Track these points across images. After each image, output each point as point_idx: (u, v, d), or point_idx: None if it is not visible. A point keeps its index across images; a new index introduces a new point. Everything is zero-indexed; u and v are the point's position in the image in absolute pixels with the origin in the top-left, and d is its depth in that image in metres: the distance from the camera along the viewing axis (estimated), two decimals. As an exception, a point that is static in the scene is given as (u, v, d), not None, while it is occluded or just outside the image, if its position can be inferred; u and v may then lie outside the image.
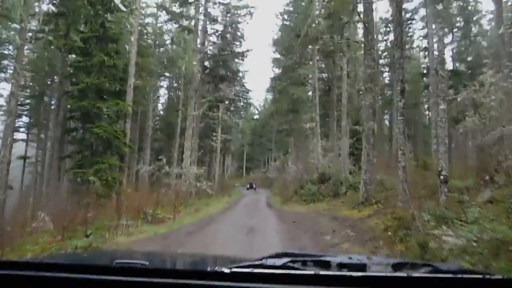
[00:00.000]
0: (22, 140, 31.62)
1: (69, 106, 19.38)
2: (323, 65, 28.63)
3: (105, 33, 19.66)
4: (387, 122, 46.28)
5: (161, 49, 35.93)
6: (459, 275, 0.97)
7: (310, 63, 23.82)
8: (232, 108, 34.18)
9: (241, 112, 46.45)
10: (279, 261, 1.15)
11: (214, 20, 24.82)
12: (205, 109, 24.60)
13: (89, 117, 19.10)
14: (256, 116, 59.92)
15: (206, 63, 25.33)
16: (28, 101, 28.27)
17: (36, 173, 24.81)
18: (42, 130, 25.67)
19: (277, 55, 28.82)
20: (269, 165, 54.23)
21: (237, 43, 24.94)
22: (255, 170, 59.85)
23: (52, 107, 23.62)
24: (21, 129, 31.98)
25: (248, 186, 43.43)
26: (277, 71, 29.87)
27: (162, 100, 48.17)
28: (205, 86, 25.14)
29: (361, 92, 35.36)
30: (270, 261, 1.16)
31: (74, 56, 21.02)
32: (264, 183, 45.47)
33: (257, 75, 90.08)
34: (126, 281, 0.85)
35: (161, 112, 46.67)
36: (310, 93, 27.34)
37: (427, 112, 43.40)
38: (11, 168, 26.40)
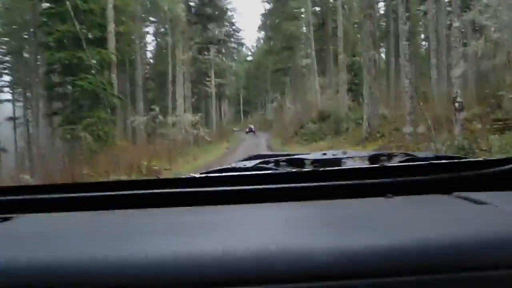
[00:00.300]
0: (8, 100, 30.43)
1: (47, 59, 18.05)
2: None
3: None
4: (383, 56, 44.73)
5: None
6: (436, 161, 0.98)
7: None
8: (223, 50, 32.50)
9: (234, 55, 44.56)
10: (250, 163, 1.13)
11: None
12: (194, 52, 23.22)
13: (71, 69, 17.97)
14: (249, 58, 57.77)
15: (192, 3, 23.48)
16: (7, 58, 26.62)
17: (27, 134, 23.98)
18: (27, 88, 24.41)
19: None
20: (267, 108, 53.32)
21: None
22: (253, 114, 58.92)
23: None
24: (6, 89, 30.63)
25: (247, 129, 42.68)
26: (268, 6, 27.80)
27: (151, 47, 46.17)
28: (192, 27, 23.52)
29: (356, 25, 33.52)
30: (242, 163, 1.14)
31: (46, 4, 19.28)
32: (263, 126, 44.86)
33: (247, 13, 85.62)
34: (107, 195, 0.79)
35: (151, 61, 44.90)
36: (304, 28, 25.69)
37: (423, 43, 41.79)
38: (2, 130, 25.66)
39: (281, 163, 1.11)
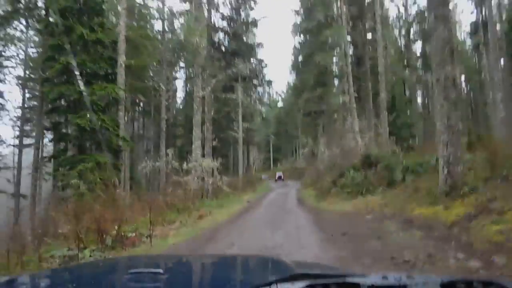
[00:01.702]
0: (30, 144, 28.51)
1: (47, 94, 15.46)
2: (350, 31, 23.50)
3: (86, 4, 15.71)
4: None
5: (171, 35, 31.78)
6: None
7: (339, 21, 18.81)
8: (251, 92, 29.53)
9: (264, 98, 41.92)
10: (293, 286, 0.98)
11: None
12: (216, 88, 20.28)
13: (74, 106, 15.30)
14: (280, 104, 55.17)
15: (215, 38, 20.90)
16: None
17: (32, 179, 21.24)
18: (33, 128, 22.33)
19: (297, 19, 23.62)
20: (297, 154, 49.60)
21: (248, 8, 20.14)
22: (283, 161, 55.29)
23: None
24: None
25: (276, 178, 39.39)
26: (299, 40, 24.79)
27: (181, 93, 44.96)
28: (215, 63, 20.78)
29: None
30: (284, 286, 0.99)
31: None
32: (293, 174, 41.14)
33: (278, 56, 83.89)
34: None
35: (181, 106, 43.37)
36: (334, 64, 22.34)
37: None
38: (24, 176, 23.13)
39: (331, 286, 0.96)
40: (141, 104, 43.40)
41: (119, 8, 16.62)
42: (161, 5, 29.49)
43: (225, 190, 17.10)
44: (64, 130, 15.94)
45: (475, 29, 26.57)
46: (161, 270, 1.17)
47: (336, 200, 11.96)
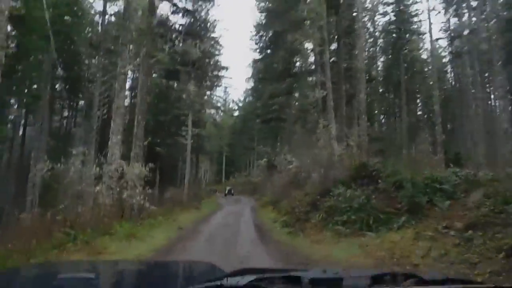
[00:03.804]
0: None
1: None
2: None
3: None
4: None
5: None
6: (448, 285, 0.91)
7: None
8: (204, 87, 24.09)
9: (219, 105, 36.72)
10: (243, 280, 0.99)
11: None
12: (155, 73, 14.72)
13: None
14: (236, 113, 50.17)
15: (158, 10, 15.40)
16: None
17: None
18: None
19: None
20: (252, 167, 44.67)
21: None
22: (236, 174, 49.93)
23: None
24: None
25: (225, 192, 35.01)
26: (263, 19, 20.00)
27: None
28: (157, 41, 15.29)
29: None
30: (233, 280, 1.00)
31: None
32: (247, 188, 36.13)
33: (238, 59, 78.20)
34: None
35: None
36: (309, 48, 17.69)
37: None
38: None
39: (276, 280, 0.99)
40: (76, 100, 36.43)
41: None
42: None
43: (150, 209, 11.39)
44: None
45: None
46: (92, 275, 1.16)
47: (326, 236, 6.79)
